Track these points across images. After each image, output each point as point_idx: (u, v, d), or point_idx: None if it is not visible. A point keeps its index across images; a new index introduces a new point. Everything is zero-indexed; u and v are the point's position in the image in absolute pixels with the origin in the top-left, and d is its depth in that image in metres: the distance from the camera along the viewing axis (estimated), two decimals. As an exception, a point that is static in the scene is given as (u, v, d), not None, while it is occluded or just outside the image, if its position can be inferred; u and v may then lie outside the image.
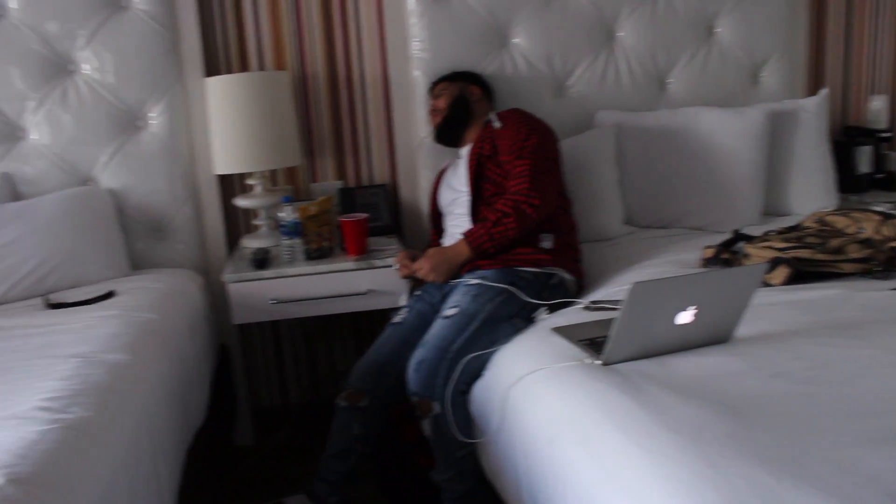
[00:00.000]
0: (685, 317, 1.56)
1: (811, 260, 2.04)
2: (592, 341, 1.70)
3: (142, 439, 1.61)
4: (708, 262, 2.22)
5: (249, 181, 2.77)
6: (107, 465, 1.40)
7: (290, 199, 2.55)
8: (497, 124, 2.37)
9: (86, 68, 2.66)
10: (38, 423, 1.38)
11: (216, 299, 2.78)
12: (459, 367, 1.96)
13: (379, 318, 3.10)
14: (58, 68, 2.65)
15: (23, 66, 2.61)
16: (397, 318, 2.33)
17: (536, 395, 1.62)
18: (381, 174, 3.02)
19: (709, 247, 2.26)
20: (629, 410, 1.36)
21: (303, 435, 2.98)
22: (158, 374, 1.87)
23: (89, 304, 2.25)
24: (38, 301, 2.33)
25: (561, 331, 1.82)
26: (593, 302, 2.08)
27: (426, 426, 2.01)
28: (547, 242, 2.27)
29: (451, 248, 2.26)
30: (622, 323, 1.52)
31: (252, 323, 3.02)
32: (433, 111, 2.61)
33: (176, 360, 2.06)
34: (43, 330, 2.02)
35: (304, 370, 3.15)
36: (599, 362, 1.59)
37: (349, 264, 2.51)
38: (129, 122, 2.70)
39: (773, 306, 1.84)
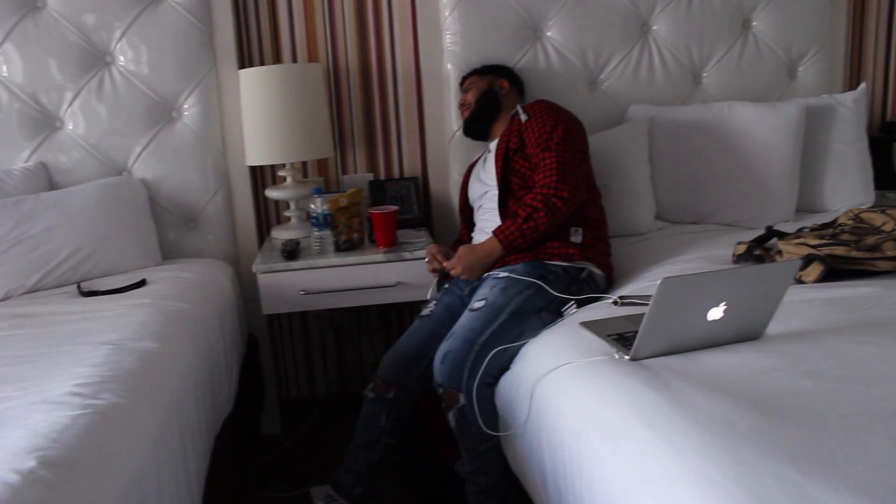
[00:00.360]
0: (716, 313, 1.54)
1: (846, 257, 2.01)
2: (621, 336, 1.69)
3: (171, 426, 1.63)
4: (740, 259, 2.19)
5: (280, 172, 2.79)
6: (136, 450, 1.42)
7: (320, 191, 2.55)
8: (524, 117, 2.36)
9: (121, 60, 2.69)
10: (69, 407, 1.40)
11: (246, 290, 2.80)
12: (486, 360, 1.95)
13: (407, 311, 3.11)
14: (94, 60, 2.68)
15: (60, 57, 2.64)
16: (426, 311, 2.33)
17: (564, 389, 1.62)
18: (411, 167, 3.02)
19: (741, 243, 2.23)
20: (657, 406, 1.35)
21: (329, 425, 3.00)
22: (188, 363, 1.89)
23: (121, 292, 2.28)
24: (72, 288, 2.36)
25: (589, 325, 1.81)
26: (622, 297, 2.06)
27: (451, 418, 2.01)
28: (576, 236, 2.25)
29: (482, 246, 2.25)
30: (651, 318, 1.50)
31: (281, 314, 3.05)
32: (462, 105, 2.61)
33: (205, 349, 2.07)
34: (76, 317, 2.05)
35: (332, 361, 3.17)
36: (628, 357, 1.58)
37: (379, 256, 2.51)
38: (163, 114, 2.73)
39: (806, 304, 1.81)
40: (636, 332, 1.56)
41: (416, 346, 2.23)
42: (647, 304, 1.51)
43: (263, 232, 3.00)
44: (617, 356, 1.60)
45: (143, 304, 2.11)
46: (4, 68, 2.63)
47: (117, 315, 2.02)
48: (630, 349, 1.58)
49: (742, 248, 2.21)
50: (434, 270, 2.39)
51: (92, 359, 1.67)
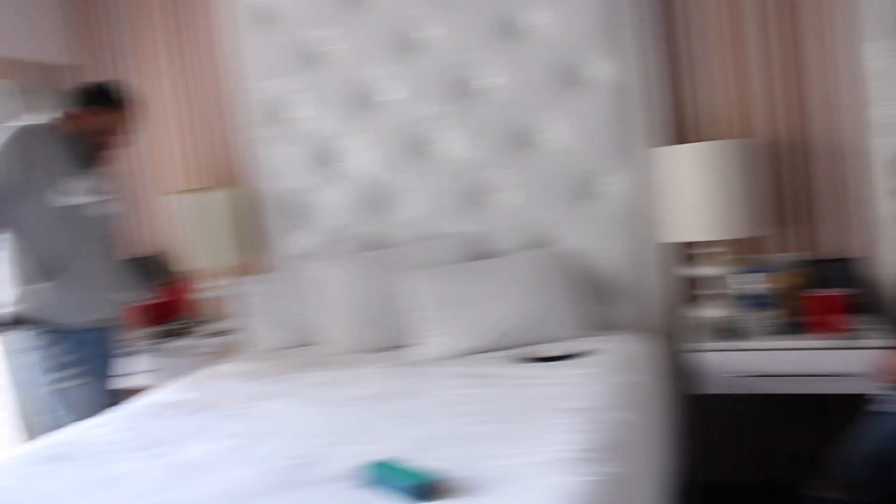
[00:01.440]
0: None
1: None
2: None
3: (660, 495, 1.61)
4: None
5: (708, 249, 2.70)
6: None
7: (759, 271, 2.43)
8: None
9: (548, 138, 2.83)
10: (585, 472, 1.44)
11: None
12: None
13: (842, 402, 2.78)
14: (524, 139, 2.85)
15: (496, 137, 2.87)
16: (888, 407, 2.10)
17: None
18: (850, 246, 2.78)
19: None
20: None
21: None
22: (657, 434, 1.88)
23: (563, 360, 2.33)
24: (509, 353, 2.46)
25: None
26: None
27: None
28: None
29: None
30: None
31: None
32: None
33: (660, 421, 2.06)
34: (528, 381, 2.16)
35: (755, 447, 2.93)
36: None
37: (823, 342, 2.35)
38: (587, 187, 2.81)
39: None
40: None
41: (881, 445, 2.01)
42: None
43: (682, 308, 2.92)
44: None
45: (593, 374, 2.13)
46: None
47: (572, 383, 2.07)
48: None
49: None
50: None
51: (573, 425, 1.71)
